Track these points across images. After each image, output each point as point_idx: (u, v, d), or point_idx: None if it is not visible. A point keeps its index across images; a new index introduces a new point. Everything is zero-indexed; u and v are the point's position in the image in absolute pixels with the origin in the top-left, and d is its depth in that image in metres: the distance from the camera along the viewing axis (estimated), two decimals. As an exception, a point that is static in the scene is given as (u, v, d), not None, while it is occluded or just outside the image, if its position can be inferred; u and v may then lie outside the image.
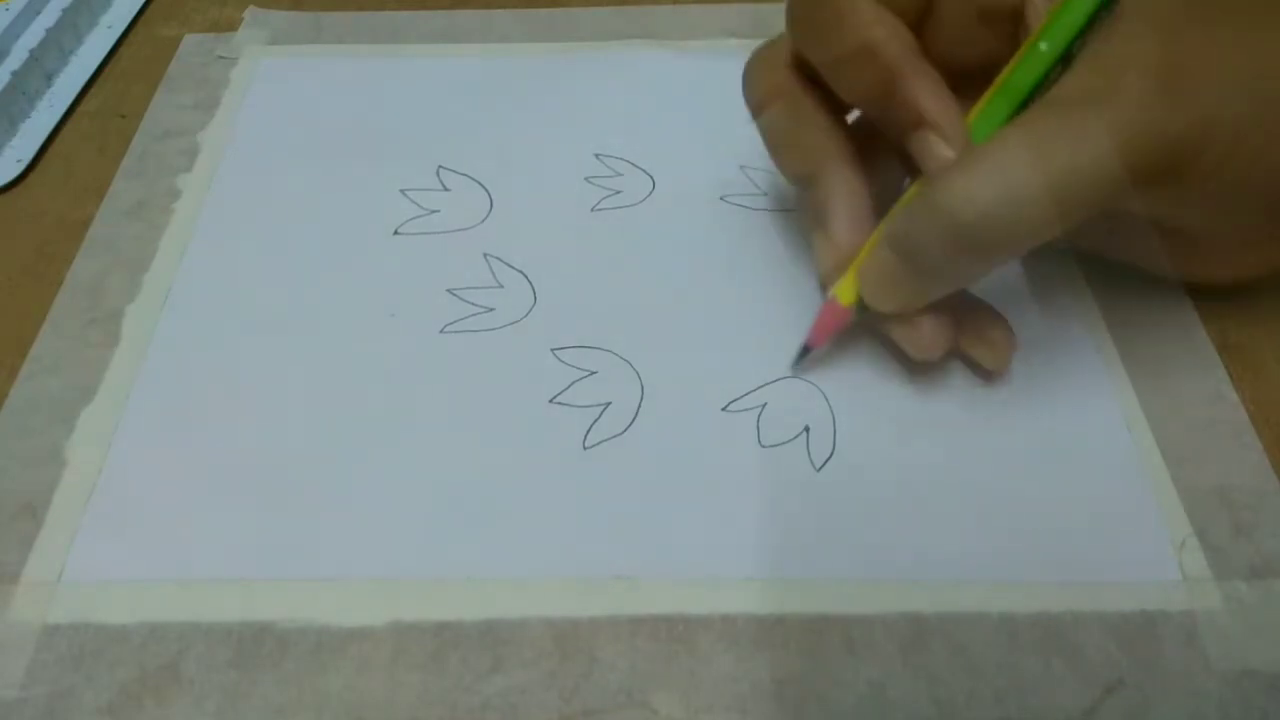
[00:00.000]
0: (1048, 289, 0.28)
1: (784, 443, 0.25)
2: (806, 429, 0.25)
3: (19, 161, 0.33)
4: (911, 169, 0.25)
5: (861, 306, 0.25)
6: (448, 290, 0.28)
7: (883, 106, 0.23)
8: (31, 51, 0.35)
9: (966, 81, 0.23)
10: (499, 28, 0.38)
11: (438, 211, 0.31)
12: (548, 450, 0.25)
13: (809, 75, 0.25)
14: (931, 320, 0.24)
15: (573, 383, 0.26)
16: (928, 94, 0.23)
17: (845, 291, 0.25)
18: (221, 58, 0.36)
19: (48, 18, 0.36)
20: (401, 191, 0.31)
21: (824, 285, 0.26)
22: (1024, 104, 0.23)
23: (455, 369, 0.27)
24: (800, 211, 0.29)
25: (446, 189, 0.32)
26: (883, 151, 0.26)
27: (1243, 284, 0.27)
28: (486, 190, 0.32)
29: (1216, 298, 0.27)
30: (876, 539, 0.23)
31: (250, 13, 0.38)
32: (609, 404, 0.26)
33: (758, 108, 0.27)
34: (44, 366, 0.27)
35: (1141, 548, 0.23)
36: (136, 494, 0.24)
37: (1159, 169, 0.21)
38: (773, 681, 0.21)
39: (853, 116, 0.27)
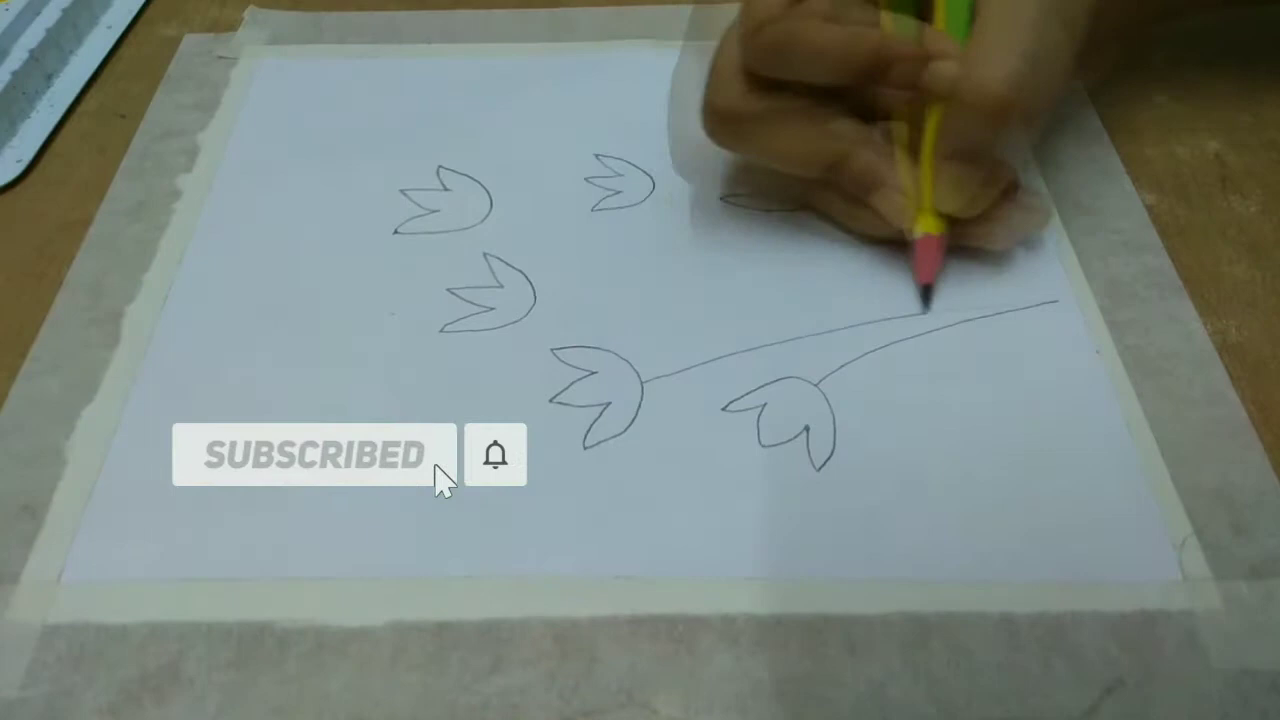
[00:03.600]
0: (1047, 290, 0.28)
1: (784, 442, 0.25)
2: (806, 429, 0.25)
3: (19, 161, 0.33)
4: (873, 109, 0.28)
5: (948, 225, 0.28)
6: (448, 290, 0.28)
7: (882, 69, 0.26)
8: (31, 51, 0.35)
9: None
10: (498, 28, 0.38)
11: (438, 211, 0.31)
12: (548, 450, 0.25)
13: (771, 89, 0.27)
14: (1000, 210, 0.28)
15: (573, 382, 0.26)
16: (923, 35, 0.26)
17: (930, 224, 0.27)
18: (221, 58, 0.36)
19: (48, 18, 0.36)
20: (401, 191, 0.31)
21: (905, 228, 0.28)
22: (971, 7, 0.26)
23: (455, 368, 0.27)
24: (814, 198, 0.30)
25: (446, 189, 0.32)
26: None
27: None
28: (486, 190, 0.32)
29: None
30: (876, 539, 0.23)
31: (250, 13, 0.38)
32: (609, 403, 0.26)
33: (754, 139, 0.28)
34: (44, 366, 0.27)
35: (1141, 548, 0.23)
36: (136, 494, 0.24)
37: None
38: (773, 681, 0.21)
39: None
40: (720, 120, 0.28)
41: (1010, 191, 0.28)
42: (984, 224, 0.28)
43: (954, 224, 0.28)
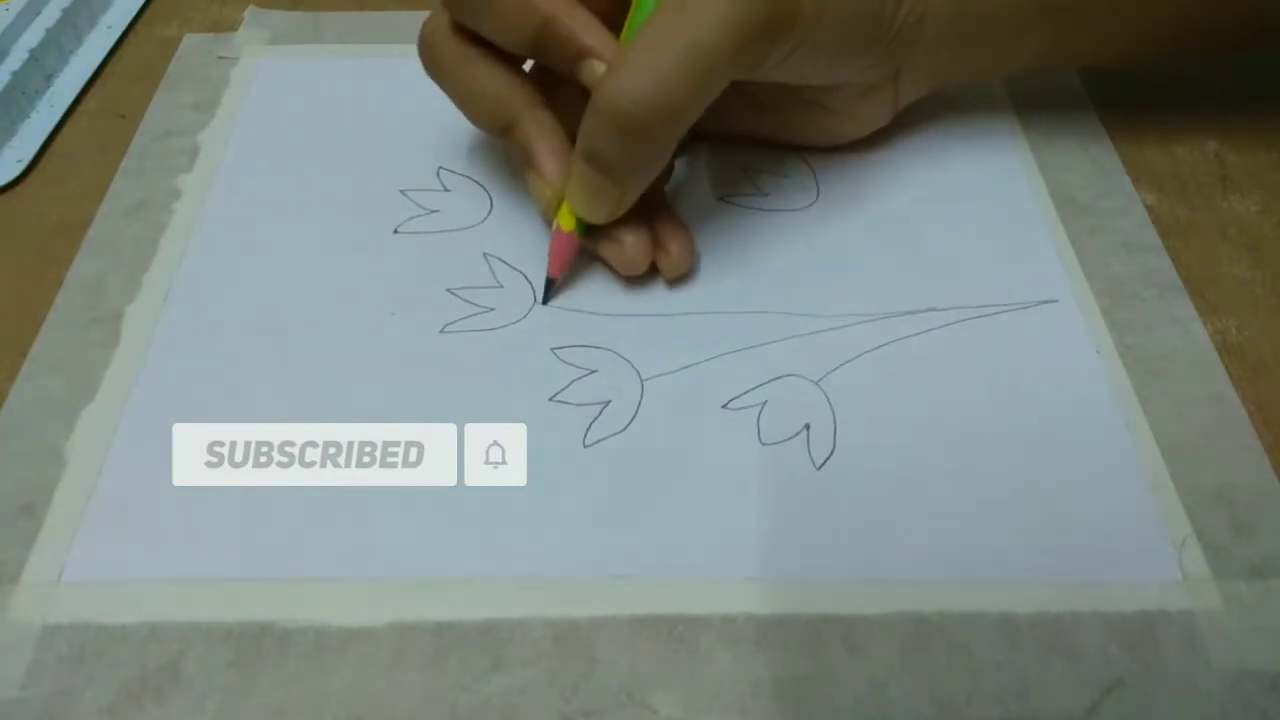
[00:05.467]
0: (1047, 290, 0.28)
1: (784, 440, 0.25)
2: (807, 427, 0.25)
3: (19, 161, 0.33)
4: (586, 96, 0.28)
5: (582, 229, 0.27)
6: (448, 290, 0.28)
7: (546, 49, 0.26)
8: (31, 51, 0.35)
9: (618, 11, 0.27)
10: (499, 27, 0.38)
11: (438, 211, 0.31)
12: (548, 449, 0.25)
13: (473, 38, 0.27)
14: (631, 235, 0.27)
15: (573, 381, 0.26)
16: (581, 27, 0.25)
17: (565, 219, 0.27)
18: (221, 58, 0.36)
19: (48, 18, 0.36)
20: (401, 192, 0.31)
21: (548, 218, 0.28)
22: None
23: (455, 368, 0.27)
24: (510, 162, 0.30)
25: (446, 189, 0.32)
26: (568, 89, 0.28)
27: (859, 136, 0.32)
28: (486, 190, 0.32)
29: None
30: (876, 539, 0.23)
31: (250, 13, 0.38)
32: (609, 402, 0.26)
33: (441, 76, 0.28)
34: (44, 366, 0.27)
35: (1141, 548, 0.23)
36: (136, 494, 0.24)
37: (768, 26, 0.24)
38: (773, 681, 0.21)
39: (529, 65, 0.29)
40: (421, 48, 0.29)
41: (661, 221, 0.28)
42: (609, 242, 0.28)
43: (590, 229, 0.27)
